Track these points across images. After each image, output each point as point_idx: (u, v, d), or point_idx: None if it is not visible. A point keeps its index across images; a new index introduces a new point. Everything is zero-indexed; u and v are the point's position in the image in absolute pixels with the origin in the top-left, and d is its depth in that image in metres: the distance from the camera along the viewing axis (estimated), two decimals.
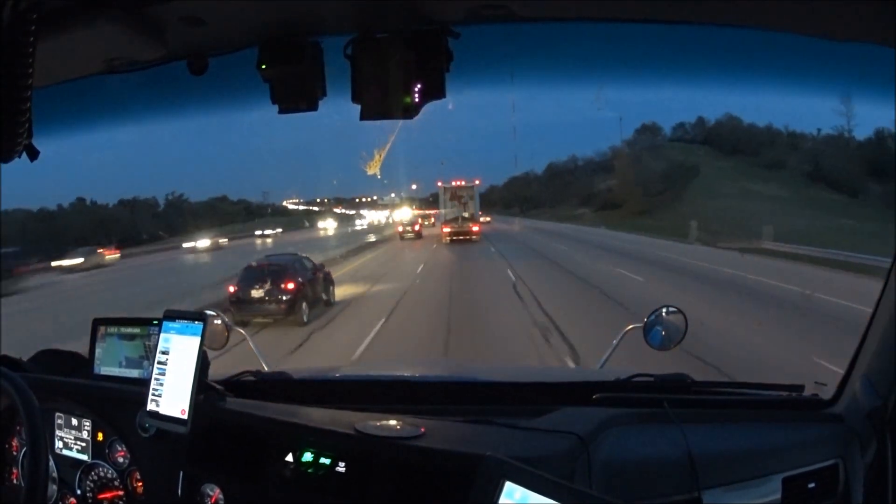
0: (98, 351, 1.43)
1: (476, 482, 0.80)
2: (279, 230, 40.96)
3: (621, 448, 1.07)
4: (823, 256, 14.43)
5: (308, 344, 7.58)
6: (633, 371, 1.36)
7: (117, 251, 26.89)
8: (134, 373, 1.38)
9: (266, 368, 1.71)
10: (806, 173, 34.88)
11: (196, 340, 1.13)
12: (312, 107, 1.17)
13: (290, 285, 8.84)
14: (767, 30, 1.07)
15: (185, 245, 30.50)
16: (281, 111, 1.17)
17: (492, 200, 53.10)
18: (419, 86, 1.10)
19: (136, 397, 1.19)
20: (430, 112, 1.15)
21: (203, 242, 30.02)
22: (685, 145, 45.92)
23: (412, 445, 1.05)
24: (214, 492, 1.17)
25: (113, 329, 1.43)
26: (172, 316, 1.17)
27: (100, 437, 1.33)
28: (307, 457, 1.11)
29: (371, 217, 50.98)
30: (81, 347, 1.52)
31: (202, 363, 1.13)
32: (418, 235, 28.58)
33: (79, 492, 1.34)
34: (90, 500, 1.33)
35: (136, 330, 1.40)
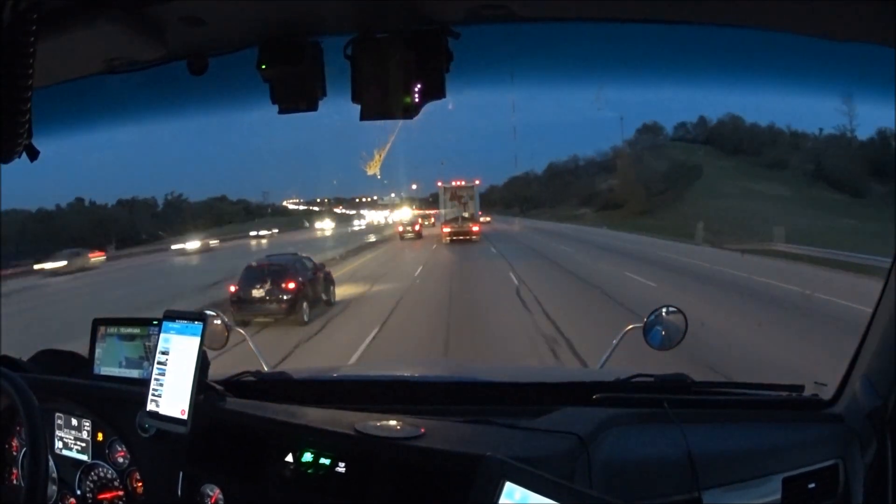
0: (98, 351, 1.43)
1: (476, 482, 0.80)
2: (275, 231, 40.29)
3: (621, 448, 1.07)
4: (838, 259, 13.58)
5: (309, 344, 7.58)
6: (633, 371, 1.36)
7: (102, 253, 25.83)
8: (134, 373, 1.38)
9: (266, 368, 1.72)
10: (808, 173, 34.77)
11: (196, 340, 1.13)
12: (312, 107, 1.17)
13: (291, 285, 8.87)
14: (767, 30, 1.07)
15: (173, 247, 29.36)
16: (281, 111, 1.17)
17: (492, 200, 53.13)
18: (419, 86, 1.10)
19: (136, 397, 1.19)
20: (430, 112, 1.15)
21: (192, 244, 28.88)
22: (687, 145, 45.81)
23: (412, 446, 1.05)
24: (214, 492, 1.17)
25: (113, 329, 1.43)
26: (172, 316, 1.17)
27: (100, 437, 1.33)
28: (307, 457, 1.11)
29: (370, 217, 50.82)
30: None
31: (202, 363, 1.13)
32: (418, 235, 28.61)
33: (79, 492, 1.34)
34: (90, 501, 1.33)
35: (136, 330, 1.40)
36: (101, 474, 1.33)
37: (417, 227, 29.69)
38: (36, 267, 21.57)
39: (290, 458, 1.12)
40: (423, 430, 1.09)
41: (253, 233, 38.95)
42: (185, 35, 1.06)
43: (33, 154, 0.91)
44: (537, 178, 57.35)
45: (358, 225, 46.44)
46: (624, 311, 8.41)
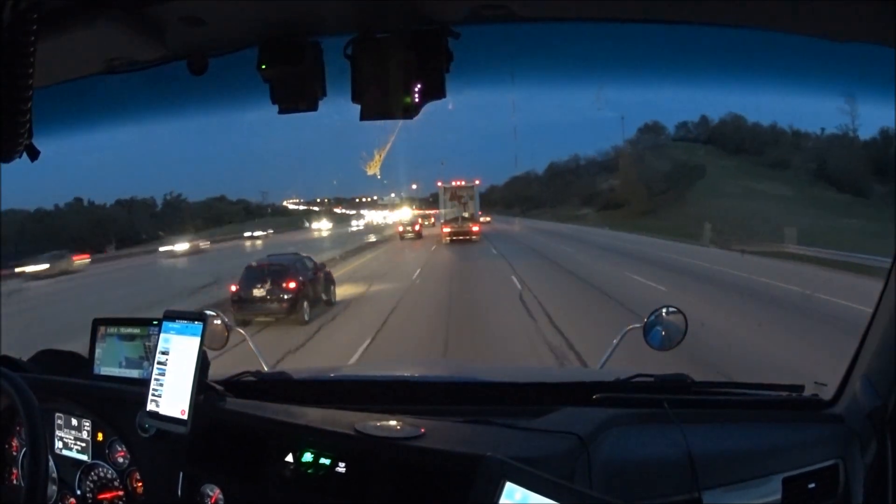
0: (98, 351, 1.43)
1: (476, 482, 0.80)
2: (270, 231, 39.30)
3: (621, 448, 1.07)
4: (855, 262, 12.44)
5: (310, 343, 7.58)
6: (633, 371, 1.36)
7: (87, 255, 24.57)
8: (134, 373, 1.38)
9: (266, 368, 1.72)
10: (811, 172, 34.52)
11: (196, 340, 1.13)
12: (312, 107, 1.17)
13: (292, 284, 8.90)
14: (767, 30, 1.07)
15: (161, 249, 28.05)
16: (281, 111, 1.17)
17: (492, 200, 53.08)
18: (419, 86, 1.10)
19: (136, 397, 1.19)
20: (430, 112, 1.15)
21: (181, 246, 27.45)
22: (689, 144, 45.50)
23: (412, 446, 1.05)
24: (214, 492, 1.17)
25: (113, 329, 1.43)
26: (172, 316, 1.18)
27: (100, 437, 1.33)
28: (307, 457, 1.11)
29: (370, 217, 50.59)
30: None
31: (202, 363, 1.13)
32: (418, 235, 28.65)
33: (79, 492, 1.34)
34: (90, 501, 1.33)
35: (136, 330, 1.40)
36: (101, 474, 1.33)
37: (417, 227, 29.75)
38: (17, 270, 20.01)
39: (290, 458, 1.12)
40: (423, 430, 1.09)
41: (247, 234, 37.83)
42: (185, 35, 1.06)
43: (34, 154, 0.91)
44: (538, 178, 57.32)
45: (356, 225, 45.63)
46: (637, 321, 7.78)
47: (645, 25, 1.16)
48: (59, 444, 1.38)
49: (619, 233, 28.34)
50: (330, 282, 10.81)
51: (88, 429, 1.35)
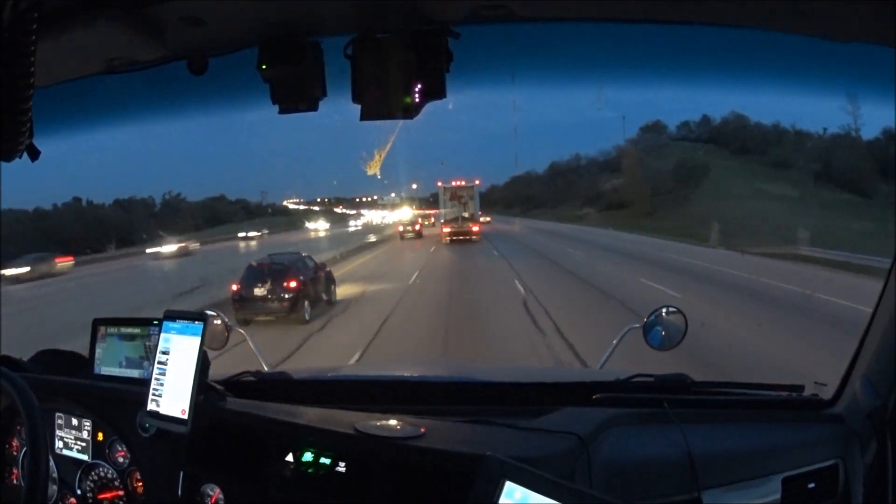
0: (98, 351, 1.43)
1: (476, 482, 0.80)
2: (264, 231, 38.34)
3: (621, 448, 1.07)
4: (876, 266, 10.70)
5: (310, 342, 7.60)
6: (633, 371, 1.36)
7: (70, 258, 23.57)
8: (134, 373, 1.38)
9: (266, 368, 1.72)
10: (814, 172, 34.05)
11: (196, 340, 1.13)
12: (312, 107, 1.17)
13: (293, 284, 8.93)
14: (767, 30, 1.07)
15: (148, 251, 26.79)
16: (281, 111, 1.17)
17: (493, 200, 53.09)
18: (419, 86, 1.10)
19: (137, 397, 1.19)
20: (431, 112, 1.15)
21: (168, 248, 26.12)
22: (690, 144, 45.07)
23: (412, 445, 1.05)
24: (214, 492, 1.17)
25: (113, 329, 1.43)
26: (173, 316, 1.18)
27: (100, 437, 1.33)
28: (307, 457, 1.11)
29: (369, 217, 50.40)
30: None
31: (202, 363, 1.13)
32: (418, 235, 28.79)
33: (79, 492, 1.34)
34: (90, 500, 1.33)
35: (137, 330, 1.40)
36: (102, 474, 1.33)
37: (418, 227, 29.94)
38: None
39: (290, 457, 1.12)
40: (423, 430, 1.09)
41: (241, 234, 36.60)
42: (185, 35, 1.06)
43: (34, 154, 0.91)
44: (539, 178, 57.25)
45: (354, 225, 45.06)
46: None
47: (645, 25, 1.16)
48: (59, 444, 1.38)
49: (624, 234, 27.92)
50: (331, 281, 10.85)
51: (89, 429, 1.35)
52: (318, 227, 41.89)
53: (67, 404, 1.37)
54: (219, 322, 1.63)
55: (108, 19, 0.95)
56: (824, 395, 1.24)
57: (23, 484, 1.18)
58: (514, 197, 56.49)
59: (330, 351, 7.16)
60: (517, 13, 1.05)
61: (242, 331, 1.83)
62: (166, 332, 1.17)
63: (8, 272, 18.95)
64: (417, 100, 1.10)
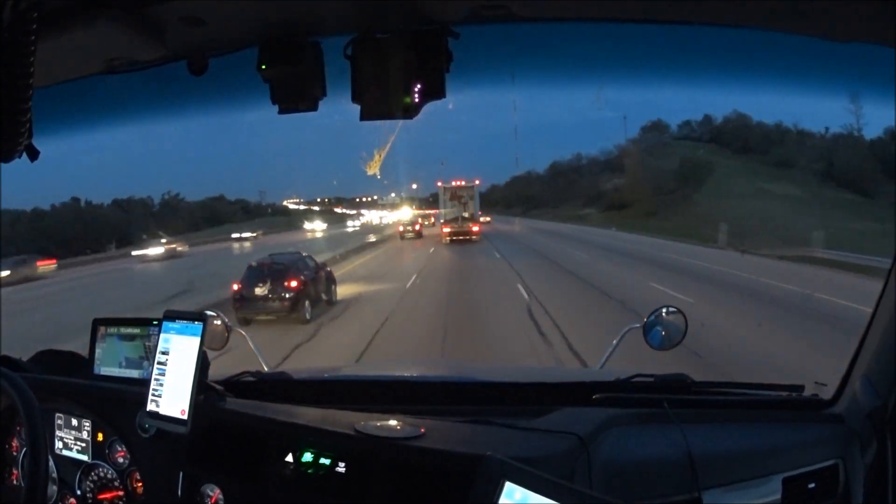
0: (98, 351, 1.43)
1: (476, 482, 0.80)
2: (259, 232, 37.57)
3: (621, 448, 1.07)
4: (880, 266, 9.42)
5: (310, 343, 7.59)
6: (633, 371, 1.36)
7: (53, 261, 22.90)
8: (134, 373, 1.38)
9: (266, 368, 1.72)
10: (817, 172, 33.81)
11: (196, 341, 1.13)
12: (312, 107, 1.17)
13: (294, 283, 8.94)
14: (767, 30, 1.07)
15: (134, 253, 25.98)
16: (281, 111, 1.17)
17: (493, 200, 53.11)
18: (419, 86, 1.10)
19: (136, 397, 1.19)
20: (430, 112, 1.15)
21: (155, 250, 25.19)
22: (692, 143, 44.94)
23: (412, 446, 1.05)
24: (214, 492, 1.17)
25: (113, 329, 1.43)
26: (172, 316, 1.18)
27: (100, 437, 1.33)
28: (307, 457, 1.11)
29: (369, 217, 50.29)
30: None
31: (202, 363, 1.13)
32: (418, 235, 28.84)
33: (79, 492, 1.34)
34: (90, 501, 1.33)
35: (136, 330, 1.40)
36: (101, 474, 1.33)
37: (418, 227, 30.03)
38: None
39: (290, 458, 1.12)
40: (423, 430, 1.09)
41: (235, 235, 35.75)
42: (185, 35, 1.06)
43: (34, 154, 0.91)
44: (539, 178, 57.26)
45: (353, 226, 44.67)
46: (682, 349, 6.05)
47: (645, 25, 1.15)
48: (59, 444, 1.38)
49: (628, 234, 27.56)
50: (331, 281, 10.85)
51: (88, 429, 1.35)
52: (315, 227, 41.47)
53: (67, 404, 1.37)
54: (219, 322, 1.63)
55: (108, 19, 0.95)
56: (824, 395, 1.24)
57: (23, 484, 1.18)
58: (515, 197, 56.50)
59: (330, 351, 7.16)
60: (517, 13, 1.05)
61: (242, 331, 1.83)
62: (166, 332, 1.17)
63: None
64: (417, 100, 1.10)
